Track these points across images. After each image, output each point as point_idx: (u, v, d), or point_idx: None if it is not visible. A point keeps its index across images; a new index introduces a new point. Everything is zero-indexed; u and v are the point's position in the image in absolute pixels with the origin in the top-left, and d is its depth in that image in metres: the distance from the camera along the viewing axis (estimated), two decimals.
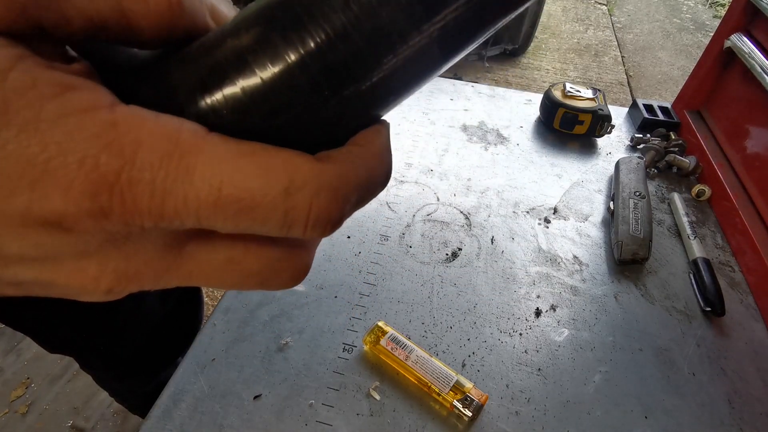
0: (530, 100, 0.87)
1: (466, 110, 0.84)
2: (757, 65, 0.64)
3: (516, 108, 0.86)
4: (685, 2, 3.84)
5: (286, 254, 0.15)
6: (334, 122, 0.14)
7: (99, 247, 0.12)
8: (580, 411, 0.45)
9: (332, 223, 0.13)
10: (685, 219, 0.64)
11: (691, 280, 0.58)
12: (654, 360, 0.50)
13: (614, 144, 0.79)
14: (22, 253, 0.12)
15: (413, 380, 0.45)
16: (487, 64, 2.58)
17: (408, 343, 0.46)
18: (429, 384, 0.43)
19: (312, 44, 0.12)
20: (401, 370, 0.45)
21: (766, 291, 0.56)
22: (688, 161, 0.73)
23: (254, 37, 0.12)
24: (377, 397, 0.44)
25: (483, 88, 0.90)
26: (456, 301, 0.53)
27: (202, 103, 0.13)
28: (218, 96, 0.13)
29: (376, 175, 0.15)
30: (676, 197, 0.68)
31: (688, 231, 0.62)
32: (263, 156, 0.12)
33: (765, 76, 0.62)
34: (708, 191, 0.69)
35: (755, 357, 0.51)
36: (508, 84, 2.53)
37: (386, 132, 0.16)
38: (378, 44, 0.13)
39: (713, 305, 0.53)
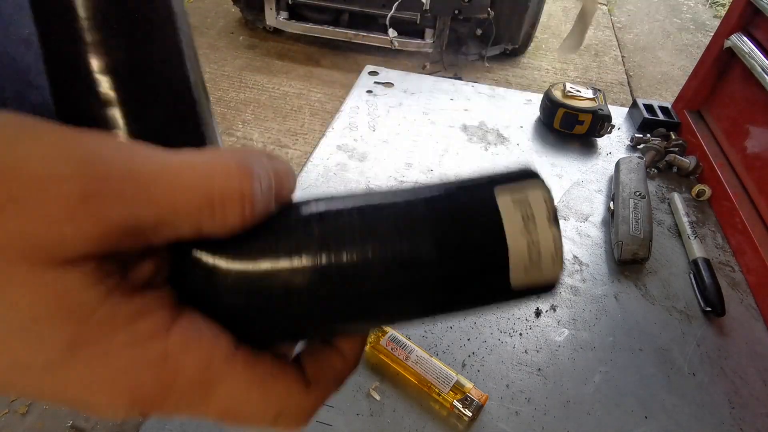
0: (530, 100, 0.87)
1: (466, 110, 0.84)
2: (757, 65, 0.64)
3: (516, 108, 0.85)
4: (685, 2, 3.84)
5: None
6: (340, 331, 0.18)
7: None
8: (580, 411, 0.45)
9: (305, 426, 0.17)
10: (685, 219, 0.64)
11: (691, 280, 0.58)
12: (654, 360, 0.50)
13: (614, 144, 0.79)
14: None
15: (413, 380, 0.45)
16: (487, 64, 2.58)
17: (408, 343, 0.46)
18: (429, 384, 0.43)
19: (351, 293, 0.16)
20: (401, 370, 0.45)
21: (766, 291, 0.56)
22: (688, 161, 0.72)
23: (306, 280, 0.15)
24: (377, 397, 0.44)
25: (483, 88, 0.90)
26: None
27: (244, 302, 0.16)
28: (259, 309, 0.16)
29: (348, 378, 0.19)
30: (676, 197, 0.68)
31: (688, 231, 0.62)
32: (269, 385, 0.16)
33: (765, 75, 0.62)
34: (708, 191, 0.69)
35: (755, 357, 0.51)
36: (508, 84, 2.53)
37: (366, 340, 0.20)
38: (393, 303, 0.17)
39: (713, 305, 0.53)
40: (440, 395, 0.43)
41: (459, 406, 0.42)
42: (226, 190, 0.14)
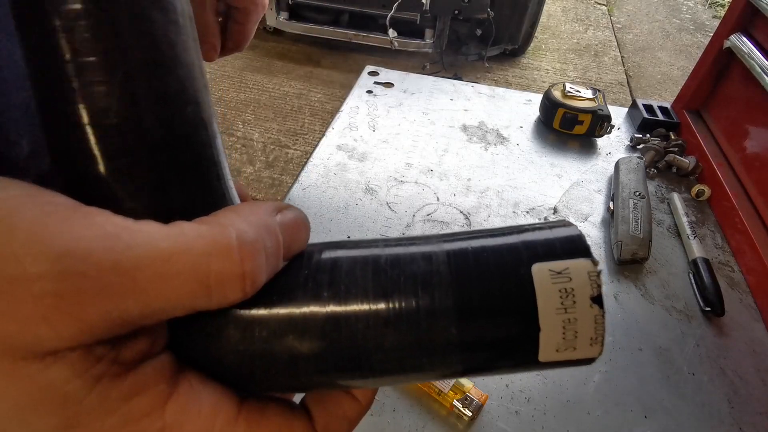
0: (530, 100, 0.87)
1: (466, 110, 0.84)
2: (756, 65, 0.64)
3: (516, 108, 0.86)
4: (685, 2, 3.84)
5: None
6: (352, 388, 0.17)
7: None
8: (579, 411, 0.45)
9: None
10: (684, 219, 0.64)
11: (690, 280, 0.58)
12: (654, 360, 0.50)
13: (614, 144, 0.79)
14: None
15: None
16: (487, 64, 2.58)
17: None
18: (429, 384, 0.43)
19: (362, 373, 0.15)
20: None
21: (765, 291, 0.56)
22: (688, 161, 0.73)
23: (313, 348, 0.15)
24: (377, 397, 0.44)
25: (483, 88, 0.90)
26: None
27: (248, 364, 0.15)
28: (262, 370, 0.15)
29: (357, 423, 0.18)
30: (676, 197, 0.68)
31: (688, 231, 0.62)
32: None
33: (764, 76, 0.62)
34: (707, 191, 0.69)
35: (755, 357, 0.51)
36: (508, 84, 2.53)
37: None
38: (414, 373, 0.15)
39: (713, 305, 0.53)
40: (440, 395, 0.43)
41: (459, 405, 0.43)
42: (225, 272, 0.13)
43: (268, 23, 2.48)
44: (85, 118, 0.13)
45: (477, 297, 0.14)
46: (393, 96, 0.85)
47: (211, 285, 0.13)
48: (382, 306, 0.14)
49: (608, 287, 0.56)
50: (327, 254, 0.16)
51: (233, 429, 0.14)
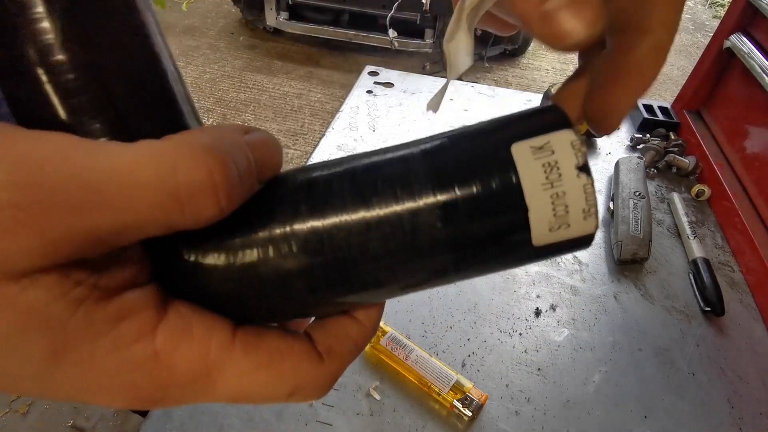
0: (530, 100, 0.87)
1: (465, 110, 0.84)
2: (756, 65, 0.64)
3: (516, 108, 0.85)
4: (685, 2, 3.84)
5: None
6: (349, 306, 0.17)
7: None
8: (579, 411, 0.45)
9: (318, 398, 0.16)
10: (684, 219, 0.64)
11: (690, 280, 0.58)
12: (654, 360, 0.50)
13: (614, 144, 0.79)
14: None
15: (413, 380, 0.45)
16: (487, 64, 2.58)
17: (408, 342, 0.46)
18: (429, 384, 0.43)
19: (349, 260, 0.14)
20: (401, 370, 0.45)
21: (765, 291, 0.56)
22: (688, 161, 0.73)
23: (299, 265, 0.14)
24: (377, 396, 0.44)
25: (483, 88, 0.90)
26: (456, 300, 0.53)
27: (237, 290, 0.15)
28: (254, 288, 0.15)
29: (364, 346, 0.17)
30: (676, 197, 0.68)
31: (688, 231, 0.62)
32: (277, 364, 0.15)
33: (764, 76, 0.62)
34: (707, 191, 0.69)
35: (755, 357, 0.51)
36: (508, 84, 2.53)
37: (383, 307, 0.18)
38: (406, 277, 0.15)
39: (713, 305, 0.53)
40: (440, 395, 0.43)
41: (459, 405, 0.43)
42: (195, 183, 0.12)
43: (268, 23, 2.48)
44: (33, 58, 0.13)
45: (458, 187, 0.14)
46: (393, 96, 0.85)
47: (182, 198, 0.12)
48: (361, 212, 0.14)
49: (608, 287, 0.56)
50: (302, 175, 0.15)
51: (229, 352, 0.14)
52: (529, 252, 0.15)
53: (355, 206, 0.14)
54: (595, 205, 0.14)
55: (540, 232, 0.14)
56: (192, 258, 0.14)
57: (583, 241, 0.15)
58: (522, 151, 0.14)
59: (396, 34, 2.27)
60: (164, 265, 0.15)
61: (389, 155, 0.15)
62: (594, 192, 0.14)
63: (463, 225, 0.14)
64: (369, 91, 0.85)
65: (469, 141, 0.15)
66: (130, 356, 0.13)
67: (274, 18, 2.44)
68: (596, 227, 0.14)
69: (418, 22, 2.27)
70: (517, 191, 0.13)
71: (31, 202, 0.11)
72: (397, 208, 0.14)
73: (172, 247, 0.15)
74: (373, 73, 0.89)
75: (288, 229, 0.14)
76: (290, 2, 2.38)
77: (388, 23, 2.21)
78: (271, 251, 0.14)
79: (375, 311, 0.17)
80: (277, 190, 0.15)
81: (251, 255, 0.14)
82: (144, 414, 0.45)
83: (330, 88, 2.35)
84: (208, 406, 0.42)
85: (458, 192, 0.14)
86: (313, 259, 0.14)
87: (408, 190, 0.14)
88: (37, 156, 0.11)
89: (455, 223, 0.14)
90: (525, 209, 0.13)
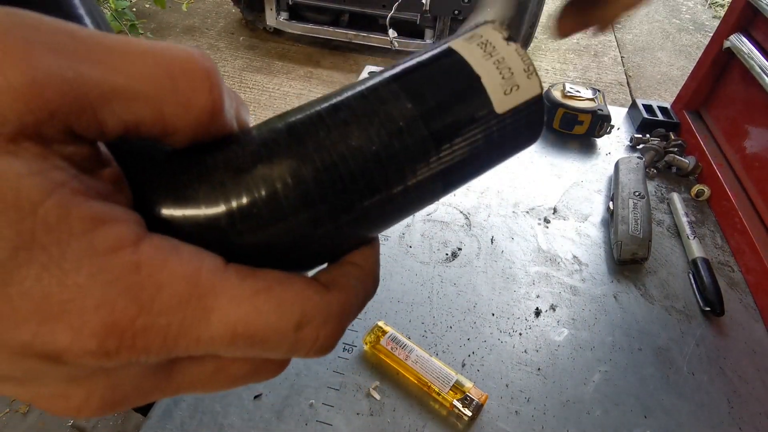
0: None
1: None
2: (756, 65, 0.64)
3: None
4: (685, 3, 3.84)
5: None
6: (344, 243, 0.16)
7: (89, 376, 0.12)
8: (579, 411, 0.45)
9: (333, 346, 0.14)
10: (684, 219, 0.64)
11: (690, 280, 0.58)
12: (653, 360, 0.50)
13: (614, 144, 0.79)
14: (6, 375, 0.11)
15: (413, 380, 0.45)
16: None
17: (408, 342, 0.46)
18: (429, 384, 0.44)
19: (339, 182, 0.14)
20: (401, 370, 0.45)
21: (765, 291, 0.56)
22: (688, 161, 0.73)
23: (286, 171, 0.14)
24: (377, 396, 0.44)
25: None
26: (456, 300, 0.53)
27: (226, 220, 0.13)
28: (243, 216, 0.14)
29: (371, 292, 0.16)
30: (676, 197, 0.68)
31: (688, 231, 0.62)
32: (278, 291, 0.13)
33: (764, 76, 0.62)
34: (707, 191, 0.69)
35: (754, 357, 0.51)
36: None
37: (379, 248, 0.17)
38: (397, 175, 0.15)
39: (712, 305, 0.53)
40: (440, 395, 0.43)
41: (459, 405, 0.43)
42: (189, 63, 0.12)
43: (268, 23, 2.48)
44: None
45: (421, 81, 0.16)
46: None
47: (176, 75, 0.12)
48: (336, 115, 0.15)
49: (608, 287, 0.57)
50: (277, 120, 0.16)
51: (223, 275, 0.12)
52: (498, 124, 0.16)
53: (329, 114, 0.15)
54: (533, 65, 0.16)
55: (498, 97, 0.16)
56: (175, 211, 0.14)
57: (537, 105, 0.16)
58: (459, 42, 0.17)
59: (396, 34, 2.27)
60: (145, 201, 0.14)
61: (357, 87, 0.16)
62: (527, 55, 0.16)
63: (433, 110, 0.15)
64: None
65: (420, 55, 0.17)
66: (107, 265, 0.11)
67: (274, 18, 2.44)
68: (541, 86, 0.16)
69: (418, 22, 2.28)
70: (465, 64, 0.16)
71: (20, 37, 0.10)
72: (368, 102, 0.15)
73: (156, 178, 0.14)
74: (373, 73, 0.89)
75: (281, 161, 0.14)
76: (290, 2, 2.39)
77: (388, 23, 2.21)
78: (256, 163, 0.14)
79: (370, 252, 0.17)
80: (252, 130, 0.15)
81: (237, 174, 0.14)
82: (145, 413, 0.45)
83: (330, 88, 2.35)
84: (209, 405, 0.42)
85: (420, 81, 0.16)
86: (300, 161, 0.14)
87: (374, 89, 0.16)
88: (30, 15, 0.10)
89: (422, 101, 0.15)
90: (477, 76, 0.16)
